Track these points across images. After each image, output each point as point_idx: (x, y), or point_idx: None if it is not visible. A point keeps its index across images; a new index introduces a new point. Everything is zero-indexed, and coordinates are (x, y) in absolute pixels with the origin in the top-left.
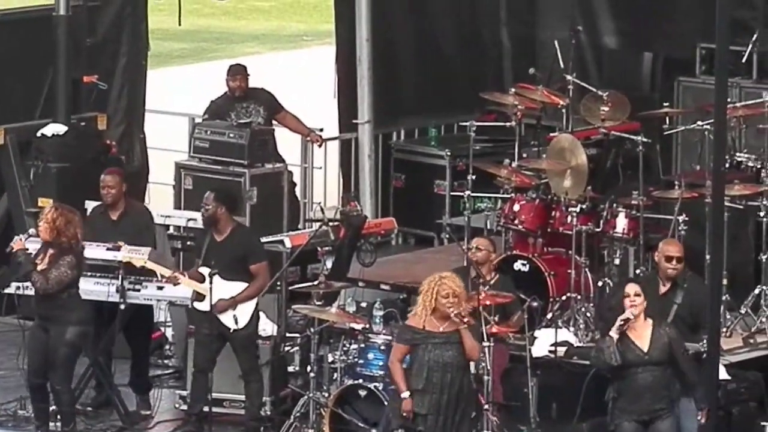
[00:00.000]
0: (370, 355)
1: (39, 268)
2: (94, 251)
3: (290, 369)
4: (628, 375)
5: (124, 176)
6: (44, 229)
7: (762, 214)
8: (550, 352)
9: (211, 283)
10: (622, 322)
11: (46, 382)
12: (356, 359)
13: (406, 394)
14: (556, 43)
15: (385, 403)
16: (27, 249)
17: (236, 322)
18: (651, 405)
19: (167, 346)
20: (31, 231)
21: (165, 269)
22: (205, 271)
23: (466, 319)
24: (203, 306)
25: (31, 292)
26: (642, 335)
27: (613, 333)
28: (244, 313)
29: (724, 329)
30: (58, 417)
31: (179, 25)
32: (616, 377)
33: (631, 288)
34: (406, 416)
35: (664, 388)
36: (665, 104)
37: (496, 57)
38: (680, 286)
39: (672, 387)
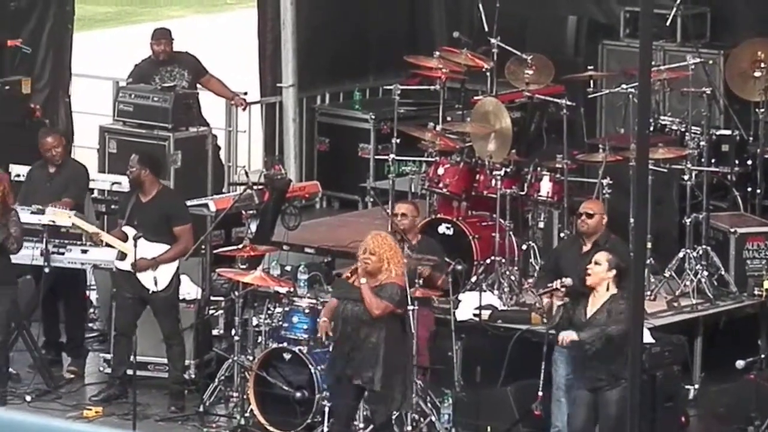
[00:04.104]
0: (295, 319)
1: None
2: (19, 215)
3: (215, 332)
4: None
5: (62, 135)
6: None
7: (686, 177)
8: (474, 315)
9: (135, 246)
10: (556, 288)
11: None
12: (280, 323)
13: (323, 318)
14: (480, 6)
15: (310, 366)
16: None
17: (156, 284)
18: (594, 374)
19: (92, 310)
20: None
21: (90, 226)
22: (128, 230)
23: (356, 277)
24: (125, 265)
25: None
26: (596, 303)
27: (556, 300)
28: (164, 275)
29: (649, 292)
30: None
31: None
32: None
33: (597, 256)
34: (319, 336)
35: (606, 360)
36: (589, 67)
37: (423, 20)
38: (602, 247)
39: (617, 361)
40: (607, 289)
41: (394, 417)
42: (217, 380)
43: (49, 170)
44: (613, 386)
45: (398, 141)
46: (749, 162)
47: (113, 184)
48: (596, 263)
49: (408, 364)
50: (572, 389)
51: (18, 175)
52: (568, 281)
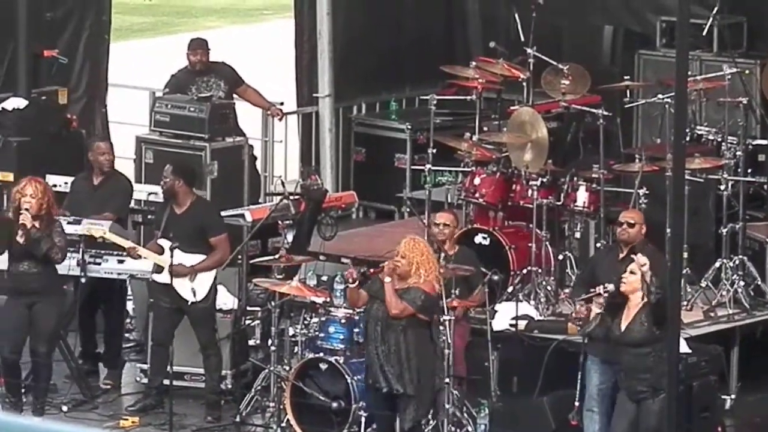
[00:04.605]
0: (331, 329)
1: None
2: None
3: (251, 342)
4: (619, 352)
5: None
6: (36, 204)
7: (722, 187)
8: (510, 325)
9: (171, 256)
10: (598, 293)
11: (20, 359)
12: (317, 333)
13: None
14: (516, 16)
15: (346, 376)
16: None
17: (194, 295)
18: (634, 386)
19: (128, 320)
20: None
21: (125, 240)
22: (164, 243)
23: (382, 274)
24: (162, 278)
25: None
26: (630, 315)
27: (595, 307)
28: (202, 285)
29: (685, 303)
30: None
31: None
32: None
33: (632, 265)
34: (346, 277)
35: (644, 371)
36: (626, 77)
37: (459, 31)
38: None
39: (656, 371)
40: (642, 298)
41: (428, 428)
42: (253, 390)
43: (92, 182)
44: (653, 396)
45: (434, 151)
46: None
47: (150, 194)
48: (631, 272)
49: (438, 371)
50: (606, 399)
51: (55, 185)
52: (610, 287)
